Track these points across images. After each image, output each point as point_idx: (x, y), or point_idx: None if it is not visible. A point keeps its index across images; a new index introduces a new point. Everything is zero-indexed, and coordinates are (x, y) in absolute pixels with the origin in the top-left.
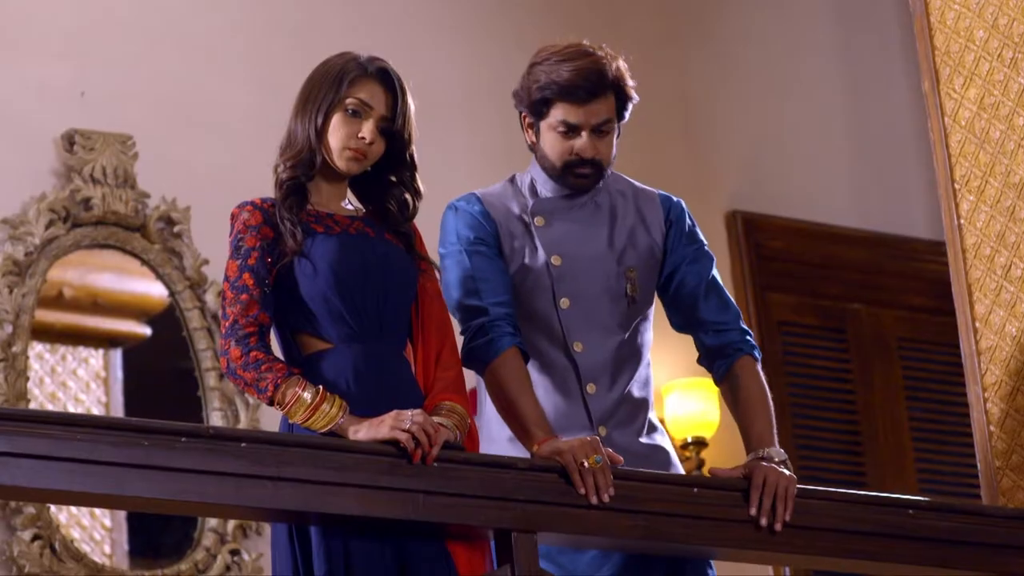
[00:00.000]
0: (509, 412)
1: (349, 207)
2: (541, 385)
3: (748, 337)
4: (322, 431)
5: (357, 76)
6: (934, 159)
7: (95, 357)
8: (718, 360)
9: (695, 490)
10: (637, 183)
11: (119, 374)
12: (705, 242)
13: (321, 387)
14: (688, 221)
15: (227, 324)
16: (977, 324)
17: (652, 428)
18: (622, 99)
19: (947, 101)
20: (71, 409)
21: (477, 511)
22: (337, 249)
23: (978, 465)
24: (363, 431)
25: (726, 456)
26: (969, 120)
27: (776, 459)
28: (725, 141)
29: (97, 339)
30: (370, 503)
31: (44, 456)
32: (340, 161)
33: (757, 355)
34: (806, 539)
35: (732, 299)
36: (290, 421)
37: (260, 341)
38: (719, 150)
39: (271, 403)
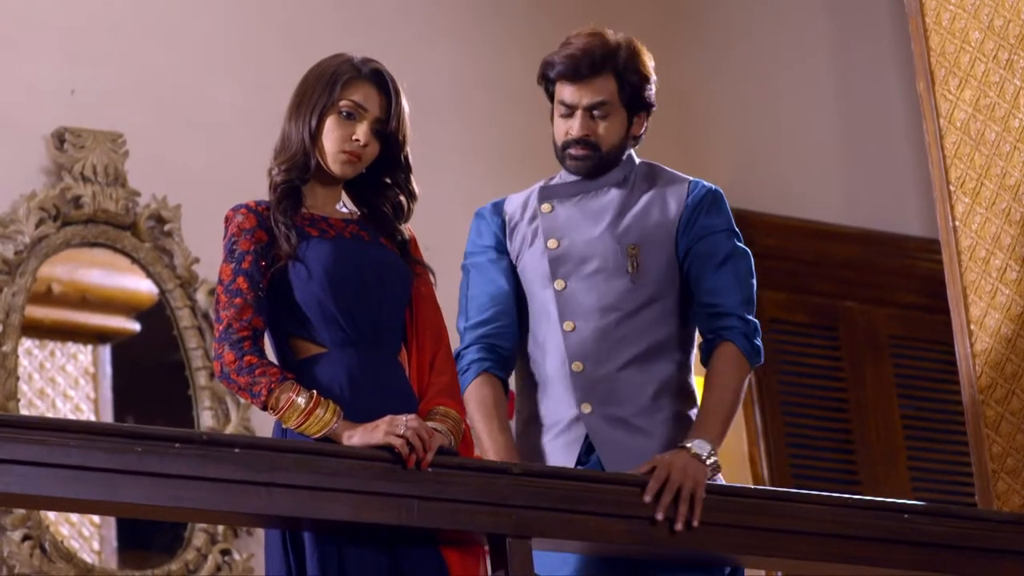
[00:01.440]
0: (479, 443)
1: (344, 210)
2: (538, 366)
3: (743, 324)
4: (316, 436)
5: (351, 78)
6: (929, 161)
7: (84, 353)
8: (704, 345)
9: None
10: (675, 172)
11: (108, 370)
12: (735, 231)
13: (315, 392)
14: (711, 203)
15: (221, 328)
16: (972, 326)
17: (660, 411)
18: (627, 86)
19: (942, 102)
20: (59, 405)
21: (471, 517)
22: (332, 253)
23: (973, 468)
24: (357, 436)
25: (722, 456)
26: (964, 122)
27: (699, 453)
28: (717, 138)
29: (86, 335)
30: (364, 509)
31: (37, 462)
32: (335, 164)
33: (742, 343)
34: (801, 544)
35: (746, 287)
36: (284, 426)
37: (254, 345)
38: (711, 147)
39: (265, 408)
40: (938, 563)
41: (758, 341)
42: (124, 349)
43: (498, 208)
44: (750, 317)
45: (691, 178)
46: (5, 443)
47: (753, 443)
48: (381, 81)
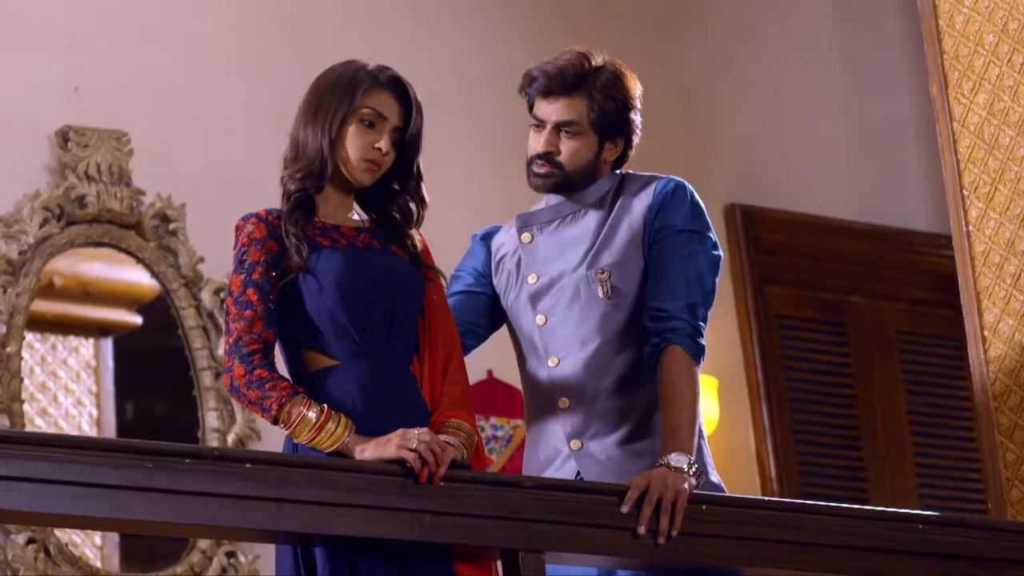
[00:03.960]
0: None
1: (355, 217)
2: (533, 400)
3: (687, 326)
4: (328, 451)
5: (370, 86)
6: (942, 164)
7: (85, 346)
8: (647, 347)
9: (703, 507)
10: (645, 175)
11: (110, 363)
12: (694, 228)
13: (326, 406)
14: (669, 202)
15: (231, 340)
16: (986, 333)
17: (655, 428)
18: (597, 109)
19: (956, 106)
20: (61, 398)
21: (484, 531)
22: (343, 264)
23: (986, 476)
24: (369, 450)
25: (727, 454)
26: (978, 125)
27: (676, 466)
28: (723, 134)
29: (87, 328)
30: (375, 524)
31: (46, 480)
32: (357, 172)
33: (688, 344)
34: (815, 555)
35: (695, 289)
36: (295, 441)
37: (264, 359)
38: (717, 142)
39: (275, 422)
40: (953, 574)
41: (702, 340)
42: (126, 342)
43: (488, 239)
44: (696, 318)
45: (658, 178)
46: (13, 460)
47: (760, 441)
48: (399, 89)
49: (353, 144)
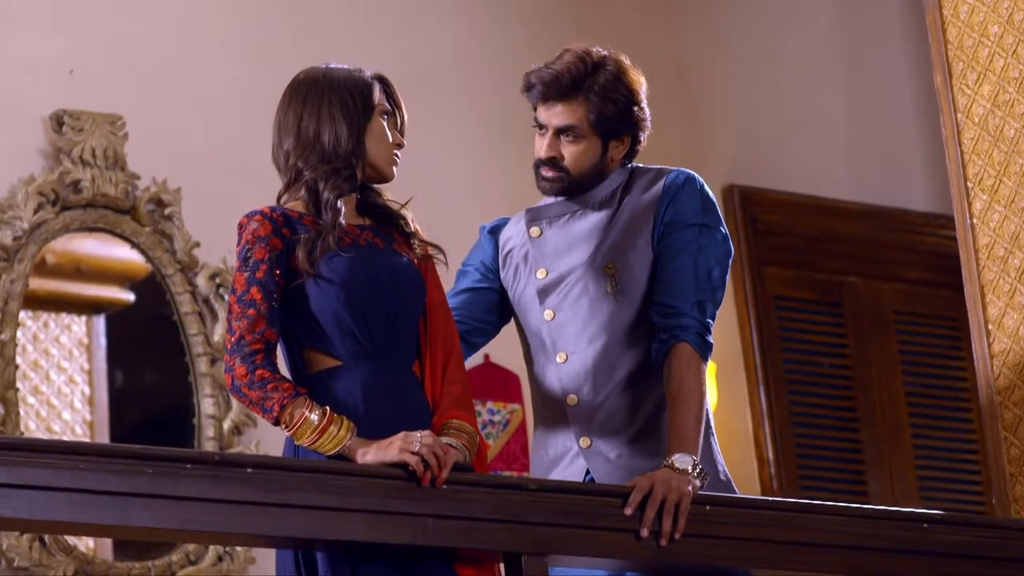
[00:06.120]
0: None
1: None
2: (540, 396)
3: (696, 323)
4: (330, 454)
5: (374, 85)
6: (946, 156)
7: (78, 324)
8: (656, 343)
9: (707, 508)
10: (654, 168)
11: (102, 341)
12: (707, 223)
13: (328, 408)
14: (677, 195)
15: (232, 340)
16: (990, 326)
17: (655, 433)
18: (596, 112)
19: (960, 97)
20: (53, 377)
21: (487, 534)
22: (347, 265)
23: (990, 472)
24: (371, 454)
25: (724, 437)
26: (983, 117)
27: (680, 467)
28: (722, 113)
29: (80, 305)
30: (378, 528)
31: (47, 487)
32: (387, 166)
33: (696, 341)
34: (820, 556)
35: (704, 283)
36: (296, 443)
37: (266, 359)
38: (715, 123)
39: (276, 423)
40: (958, 573)
41: (710, 338)
42: (118, 319)
43: (496, 232)
44: (704, 315)
45: (668, 171)
46: (13, 467)
47: (758, 424)
48: (387, 86)
49: (384, 138)
